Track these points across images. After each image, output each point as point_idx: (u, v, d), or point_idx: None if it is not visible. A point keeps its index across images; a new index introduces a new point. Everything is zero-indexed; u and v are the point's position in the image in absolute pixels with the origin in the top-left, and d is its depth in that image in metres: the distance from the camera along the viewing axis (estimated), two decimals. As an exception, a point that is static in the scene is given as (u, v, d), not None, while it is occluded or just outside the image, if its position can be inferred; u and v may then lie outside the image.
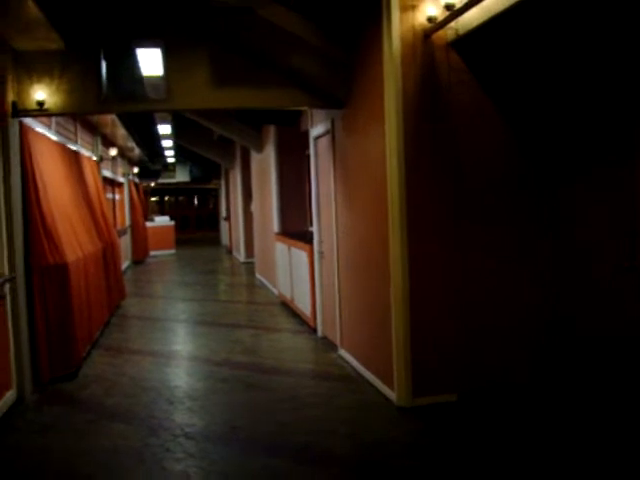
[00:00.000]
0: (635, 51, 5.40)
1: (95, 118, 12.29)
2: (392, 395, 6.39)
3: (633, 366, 5.58)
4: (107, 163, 15.81)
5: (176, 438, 5.66)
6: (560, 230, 6.47)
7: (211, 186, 33.65)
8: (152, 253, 23.88)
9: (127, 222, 21.00)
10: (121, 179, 19.33)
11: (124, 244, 18.44)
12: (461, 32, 5.94)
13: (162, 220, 26.39)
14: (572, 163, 6.32)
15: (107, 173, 15.64)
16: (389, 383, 6.48)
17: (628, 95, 5.54)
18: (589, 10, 5.48)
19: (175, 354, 8.88)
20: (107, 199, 14.74)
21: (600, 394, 6.01)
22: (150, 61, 6.67)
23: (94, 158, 12.78)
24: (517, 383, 6.51)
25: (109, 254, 11.27)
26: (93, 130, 13.37)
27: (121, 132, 14.62)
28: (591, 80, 6.01)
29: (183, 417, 6.25)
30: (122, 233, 18.02)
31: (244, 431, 5.83)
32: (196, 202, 41.41)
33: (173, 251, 25.41)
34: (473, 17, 5.60)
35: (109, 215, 12.83)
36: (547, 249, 6.56)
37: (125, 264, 18.39)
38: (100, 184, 12.59)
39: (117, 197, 18.98)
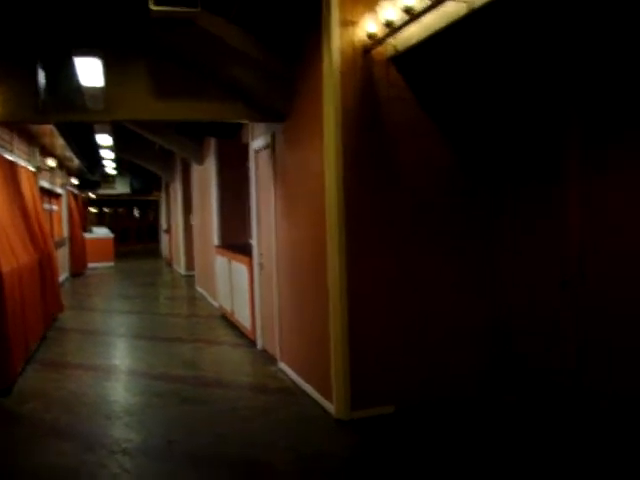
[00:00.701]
0: (565, 72, 5.56)
1: (34, 128, 12.07)
2: (331, 408, 6.42)
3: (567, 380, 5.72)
4: (45, 174, 15.53)
5: (113, 454, 5.58)
6: (500, 243, 6.59)
7: (152, 198, 33.32)
8: (91, 265, 23.48)
9: (65, 233, 20.64)
10: (59, 190, 19.00)
11: (62, 256, 18.12)
12: (400, 48, 6.04)
13: (101, 232, 26.04)
14: (508, 177, 6.45)
15: (45, 184, 15.36)
16: (328, 396, 6.50)
17: (556, 118, 5.71)
18: (521, 29, 5.64)
19: (114, 368, 8.75)
20: (44, 210, 14.48)
21: (536, 408, 6.14)
22: (90, 71, 6.61)
23: (31, 168, 12.55)
24: (456, 396, 6.60)
25: (45, 265, 11.06)
26: (31, 140, 13.13)
27: (60, 142, 14.38)
28: (522, 98, 6.16)
29: (121, 432, 6.17)
30: (60, 245, 17.71)
31: (181, 445, 5.79)
32: (136, 214, 40.96)
33: (112, 264, 25.05)
34: (412, 34, 5.70)
35: (46, 226, 12.60)
36: (487, 261, 6.68)
37: (63, 276, 18.06)
38: (37, 195, 12.36)
39: (55, 208, 18.65)
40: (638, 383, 4.97)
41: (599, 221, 5.35)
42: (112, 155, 19.26)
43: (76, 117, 7.68)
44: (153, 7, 5.91)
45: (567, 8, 5.11)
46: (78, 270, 21.55)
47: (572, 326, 5.61)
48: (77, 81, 6.78)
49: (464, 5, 4.87)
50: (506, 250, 6.51)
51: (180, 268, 20.76)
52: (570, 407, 5.68)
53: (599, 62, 5.25)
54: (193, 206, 17.03)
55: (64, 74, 6.94)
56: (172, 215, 23.18)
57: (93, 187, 27.68)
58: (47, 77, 6.99)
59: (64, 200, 20.62)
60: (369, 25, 6.00)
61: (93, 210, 38.37)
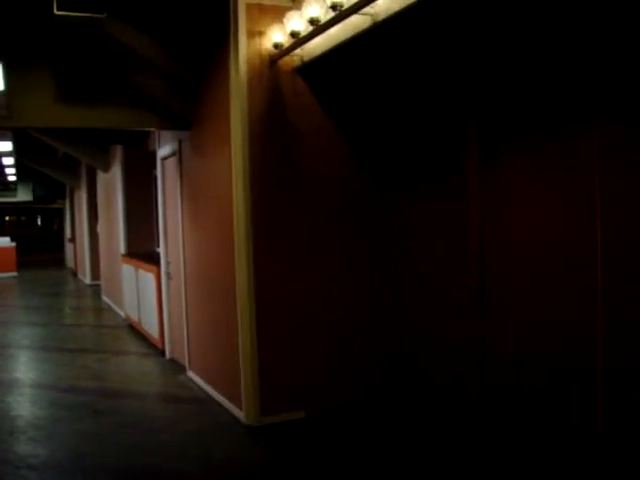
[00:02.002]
0: (463, 77, 5.76)
1: None
2: (241, 415, 6.44)
3: (467, 375, 5.89)
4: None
5: (18, 470, 5.44)
6: (402, 247, 6.74)
7: (56, 206, 32.51)
8: (-9, 276, 22.79)
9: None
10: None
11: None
12: (306, 59, 6.14)
13: (2, 241, 25.23)
14: (410, 180, 6.62)
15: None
16: (237, 403, 6.52)
17: (455, 121, 5.90)
18: (422, 39, 5.82)
19: (17, 382, 8.52)
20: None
21: (438, 411, 6.31)
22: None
23: None
24: (364, 400, 6.72)
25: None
26: None
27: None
28: (423, 103, 6.35)
29: (26, 448, 6.02)
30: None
31: (90, 458, 5.70)
32: (39, 223, 39.86)
33: (15, 274, 24.31)
34: (317, 45, 5.81)
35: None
36: (390, 264, 6.83)
37: (-39, 288, 17.46)
38: None
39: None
40: (539, 383, 5.17)
41: (496, 223, 5.54)
42: (12, 161, 18.74)
43: (-24, 123, 7.48)
44: (57, 12, 5.82)
45: (465, 20, 5.30)
46: (-22, 281, 20.85)
47: (472, 327, 5.79)
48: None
49: (368, 18, 5.00)
50: (405, 252, 6.67)
51: (86, 278, 20.33)
52: (472, 407, 5.85)
53: (493, 70, 5.46)
54: (99, 214, 16.72)
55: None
56: (77, 223, 22.68)
57: (-8, 195, 26.87)
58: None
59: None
60: (276, 35, 6.08)
61: (-7, 219, 37.21)
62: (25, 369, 9.48)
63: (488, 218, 5.61)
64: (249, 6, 6.16)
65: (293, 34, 5.75)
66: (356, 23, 5.14)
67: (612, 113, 4.44)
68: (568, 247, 4.83)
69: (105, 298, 16.01)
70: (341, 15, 5.04)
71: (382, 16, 4.88)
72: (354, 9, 4.88)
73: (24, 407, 7.39)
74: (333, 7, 5.03)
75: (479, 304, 5.72)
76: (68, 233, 27.28)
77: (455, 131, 5.94)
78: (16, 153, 17.08)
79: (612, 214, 4.45)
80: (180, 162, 8.16)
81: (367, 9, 4.88)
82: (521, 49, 5.18)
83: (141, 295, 10.82)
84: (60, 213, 34.07)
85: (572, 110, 4.76)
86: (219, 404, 7.00)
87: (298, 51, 6.06)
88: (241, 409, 6.44)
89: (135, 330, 11.52)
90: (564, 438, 4.93)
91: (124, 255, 12.62)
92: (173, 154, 8.47)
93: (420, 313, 6.56)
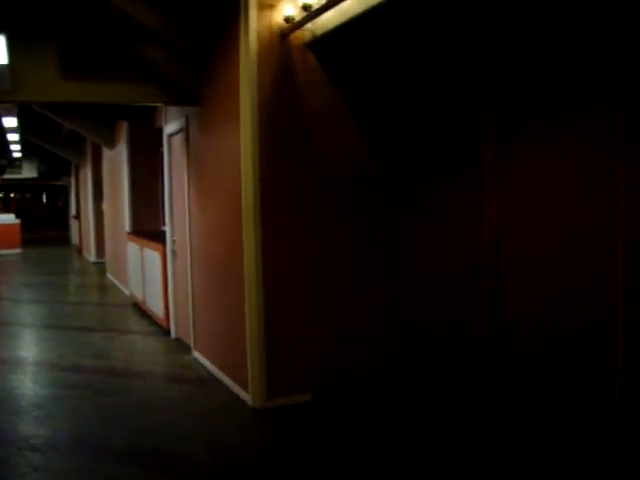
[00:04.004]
0: (480, 61, 5.59)
1: None
2: (247, 397, 6.35)
3: (475, 366, 5.78)
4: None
5: (21, 451, 5.36)
6: (412, 230, 6.62)
7: (61, 183, 32.43)
8: (-5, 253, 22.75)
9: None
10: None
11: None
12: (318, 33, 5.99)
13: (7, 218, 25.16)
14: (424, 161, 6.48)
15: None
16: (244, 385, 6.43)
17: (473, 103, 5.73)
18: (438, 18, 5.67)
19: (21, 360, 8.43)
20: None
21: (446, 394, 6.21)
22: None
23: None
24: (371, 384, 6.63)
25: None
26: None
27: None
28: (442, 84, 6.18)
29: (29, 428, 5.94)
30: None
31: (93, 439, 5.62)
32: (45, 200, 39.83)
33: (19, 250, 24.26)
34: (330, 19, 5.65)
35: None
36: (400, 248, 6.71)
37: (-34, 264, 17.41)
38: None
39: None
40: (552, 371, 5.05)
41: (512, 207, 5.40)
42: (18, 138, 18.62)
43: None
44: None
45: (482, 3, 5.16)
46: (-18, 257, 20.82)
47: (484, 313, 5.67)
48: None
49: (383, -9, 4.84)
50: (418, 235, 6.54)
51: (90, 255, 20.27)
52: (482, 394, 5.75)
53: (509, 50, 5.29)
54: (104, 192, 16.61)
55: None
56: (82, 201, 22.60)
57: (-2, 171, 26.79)
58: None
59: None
60: (287, 8, 5.92)
61: (-2, 195, 37.21)
62: (29, 347, 9.41)
63: (503, 201, 5.46)
64: (260, -22, 6.00)
65: (305, 7, 5.59)
66: (370, -5, 4.99)
67: (636, 90, 4.27)
68: (587, 232, 4.68)
69: (110, 276, 15.93)
70: (355, -13, 4.89)
71: (397, -11, 4.73)
72: (369, -19, 4.73)
73: (27, 386, 7.31)
74: (347, -21, 4.87)
75: (494, 290, 5.59)
76: (73, 210, 27.20)
77: (469, 112, 5.78)
78: (21, 129, 16.96)
79: (636, 198, 4.29)
80: (187, 139, 8.03)
81: (382, -19, 4.73)
82: (537, 28, 5.01)
83: (146, 274, 10.73)
84: (65, 190, 33.99)
85: (593, 89, 4.59)
86: (225, 385, 6.91)
87: (310, 25, 5.91)
88: (247, 391, 6.35)
89: (140, 309, 11.44)
90: (579, 440, 4.82)
91: (129, 233, 12.51)
92: (180, 131, 8.34)
93: (432, 299, 6.43)
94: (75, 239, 26.32)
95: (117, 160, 13.98)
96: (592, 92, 4.60)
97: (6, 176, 28.55)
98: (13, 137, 18.41)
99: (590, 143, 4.63)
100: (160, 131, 9.67)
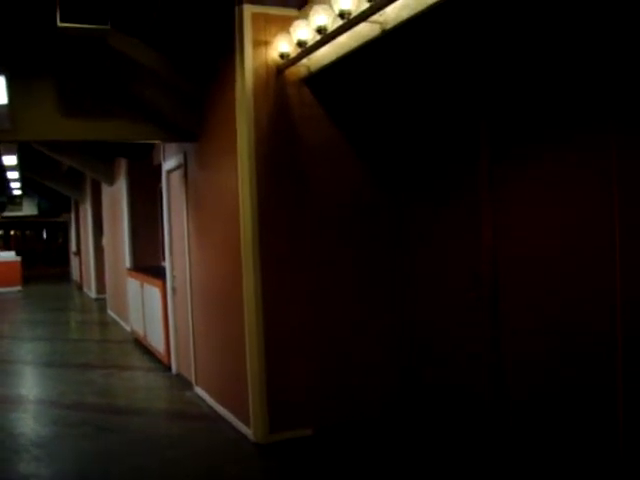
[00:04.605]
0: (475, 89, 5.65)
1: None
2: (249, 432, 6.32)
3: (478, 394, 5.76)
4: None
5: (20, 490, 5.34)
6: (411, 257, 6.63)
7: (61, 220, 32.51)
8: (-4, 291, 22.73)
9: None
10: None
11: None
12: (313, 69, 6.05)
13: (7, 255, 25.16)
14: (420, 193, 6.51)
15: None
16: (245, 420, 6.40)
17: (469, 133, 5.78)
18: (433, 48, 5.75)
19: (21, 398, 8.40)
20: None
21: (450, 425, 6.18)
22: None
23: None
24: (373, 417, 6.60)
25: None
26: None
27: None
28: (436, 114, 6.24)
29: (29, 467, 5.90)
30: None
31: (95, 477, 5.59)
32: (45, 236, 39.88)
33: (19, 288, 24.23)
34: (325, 54, 5.71)
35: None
36: (399, 275, 6.72)
37: (-34, 303, 17.38)
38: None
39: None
40: (556, 392, 5.04)
41: (509, 226, 5.43)
42: (17, 175, 18.71)
43: (-20, 137, 7.42)
44: (60, 24, 5.75)
45: (475, 24, 5.22)
46: (-17, 295, 20.78)
47: (485, 342, 5.66)
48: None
49: (377, 26, 4.91)
50: (417, 260, 6.55)
51: (91, 292, 20.25)
52: (486, 420, 5.73)
53: (504, 74, 5.35)
54: (104, 228, 16.65)
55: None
56: (82, 237, 22.63)
57: (-1, 209, 26.85)
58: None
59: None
60: (282, 45, 5.99)
61: (-2, 233, 37.25)
62: (29, 385, 9.39)
63: (500, 221, 5.49)
64: (255, 16, 6.08)
65: (300, 43, 5.65)
66: (364, 31, 5.05)
67: (629, 115, 4.31)
68: (584, 248, 4.70)
69: (110, 312, 15.91)
70: (349, 23, 4.94)
71: (391, 24, 4.79)
72: (363, 17, 4.78)
73: (28, 424, 7.27)
74: (341, 15, 4.93)
75: (492, 312, 5.59)
76: (73, 247, 27.23)
77: (466, 140, 5.83)
78: (21, 167, 17.06)
79: (631, 215, 4.32)
80: (186, 175, 8.07)
81: (376, 17, 4.78)
82: (532, 51, 5.07)
83: (147, 309, 10.72)
84: (65, 227, 34.05)
85: (587, 109, 4.64)
86: (226, 421, 6.88)
87: (305, 61, 5.97)
88: (249, 426, 6.32)
89: (141, 345, 11.41)
90: (583, 455, 4.80)
91: (129, 269, 12.53)
92: (179, 167, 8.39)
93: (432, 324, 6.43)
94: (75, 275, 26.31)
95: (116, 196, 14.04)
96: (588, 115, 4.64)
97: (6, 213, 28.64)
98: (13, 175, 18.53)
99: (584, 165, 4.68)
100: (159, 167, 9.72)
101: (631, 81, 4.31)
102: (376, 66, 6.25)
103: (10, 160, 15.19)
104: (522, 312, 5.32)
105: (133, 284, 11.90)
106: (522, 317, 5.32)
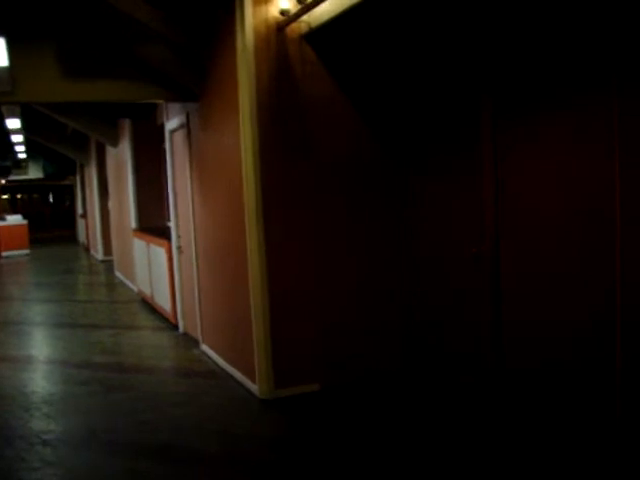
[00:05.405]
0: (478, 49, 5.62)
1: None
2: (255, 388, 6.40)
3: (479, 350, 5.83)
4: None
5: (33, 447, 5.43)
6: (413, 217, 6.65)
7: (66, 182, 32.53)
8: (4, 254, 22.84)
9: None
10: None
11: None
12: (313, 25, 6.02)
13: (14, 219, 25.24)
14: (422, 151, 6.51)
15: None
16: (251, 376, 6.48)
17: (472, 92, 5.76)
18: (437, 5, 5.68)
19: (31, 358, 8.53)
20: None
21: (452, 382, 6.25)
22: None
23: None
24: (379, 372, 6.67)
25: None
26: None
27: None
28: (439, 72, 6.21)
29: (40, 424, 6.02)
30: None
31: (104, 434, 5.69)
32: (51, 199, 39.96)
33: (27, 251, 24.33)
34: (325, 11, 5.68)
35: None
36: (402, 235, 6.74)
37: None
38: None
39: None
40: (553, 358, 5.09)
41: (511, 193, 5.44)
42: (22, 139, 18.68)
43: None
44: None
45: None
46: (-8, 258, 20.91)
47: (485, 299, 5.71)
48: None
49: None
50: (419, 223, 6.57)
51: (98, 254, 20.35)
52: (487, 380, 5.79)
53: (505, 37, 5.32)
54: (109, 190, 16.68)
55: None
56: (88, 199, 22.68)
57: (4, 173, 26.83)
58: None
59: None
60: (282, 2, 5.96)
61: (5, 197, 37.29)
62: (39, 345, 9.51)
63: (503, 188, 5.50)
64: (255, -28, 6.03)
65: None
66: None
67: (632, 76, 4.29)
68: (585, 215, 4.71)
69: (117, 273, 16.01)
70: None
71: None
72: (362, -28, 4.76)
73: (38, 383, 7.39)
74: (340, -30, 4.90)
75: (494, 276, 5.62)
76: (79, 209, 27.28)
77: (469, 99, 5.80)
78: (25, 130, 17.03)
79: (632, 181, 4.32)
80: (189, 134, 8.07)
81: (375, -28, 4.76)
82: (533, 11, 5.04)
83: (153, 270, 10.79)
84: (71, 189, 34.10)
85: (588, 73, 4.62)
86: (233, 378, 6.97)
87: (305, 17, 5.93)
88: (255, 382, 6.40)
89: (148, 305, 11.52)
90: (581, 421, 4.86)
91: (135, 230, 12.58)
92: (181, 127, 8.38)
93: (435, 285, 6.47)
94: (82, 238, 26.40)
95: (121, 158, 14.04)
96: (588, 79, 4.62)
97: (12, 177, 28.63)
98: (17, 138, 18.48)
99: (586, 128, 4.67)
100: (162, 127, 9.71)
101: (633, 40, 4.27)
102: (377, 23, 6.20)
103: (14, 123, 15.14)
104: (523, 268, 5.35)
105: (139, 245, 11.97)
106: (523, 274, 5.36)
